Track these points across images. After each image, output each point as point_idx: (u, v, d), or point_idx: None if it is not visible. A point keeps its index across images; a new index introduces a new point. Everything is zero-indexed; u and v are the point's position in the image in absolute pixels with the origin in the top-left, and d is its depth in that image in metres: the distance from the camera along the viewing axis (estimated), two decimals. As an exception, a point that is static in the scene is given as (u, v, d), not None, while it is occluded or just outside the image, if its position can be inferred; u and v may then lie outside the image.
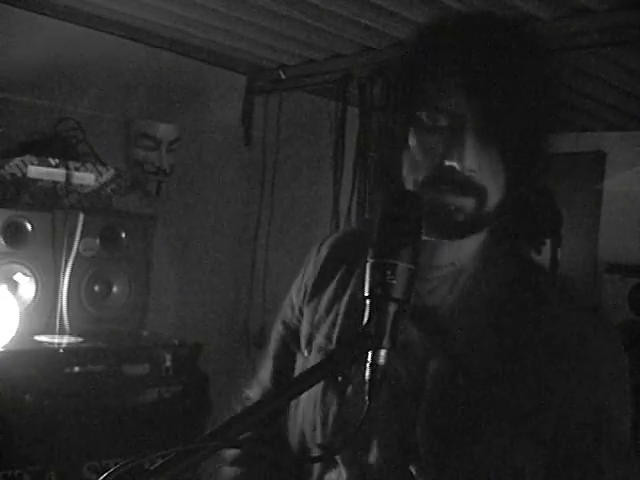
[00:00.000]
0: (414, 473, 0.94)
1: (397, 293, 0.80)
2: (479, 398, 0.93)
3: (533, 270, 1.01)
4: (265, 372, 1.23)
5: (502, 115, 0.89)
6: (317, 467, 1.05)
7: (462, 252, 1.00)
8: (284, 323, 1.24)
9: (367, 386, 0.79)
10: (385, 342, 0.79)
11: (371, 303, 0.81)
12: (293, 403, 1.08)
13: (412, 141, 0.95)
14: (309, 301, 1.18)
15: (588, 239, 3.65)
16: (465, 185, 0.91)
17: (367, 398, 0.78)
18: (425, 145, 0.94)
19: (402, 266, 0.80)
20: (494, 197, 0.93)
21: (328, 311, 1.10)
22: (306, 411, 1.06)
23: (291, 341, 1.18)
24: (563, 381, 0.92)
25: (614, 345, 0.96)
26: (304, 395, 0.98)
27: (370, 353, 0.79)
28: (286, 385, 0.78)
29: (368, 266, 0.82)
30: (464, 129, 0.90)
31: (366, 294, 0.81)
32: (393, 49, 2.68)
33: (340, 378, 1.02)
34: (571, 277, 1.06)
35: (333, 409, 1.01)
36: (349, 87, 2.90)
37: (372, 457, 0.98)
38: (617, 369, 0.96)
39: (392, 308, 0.80)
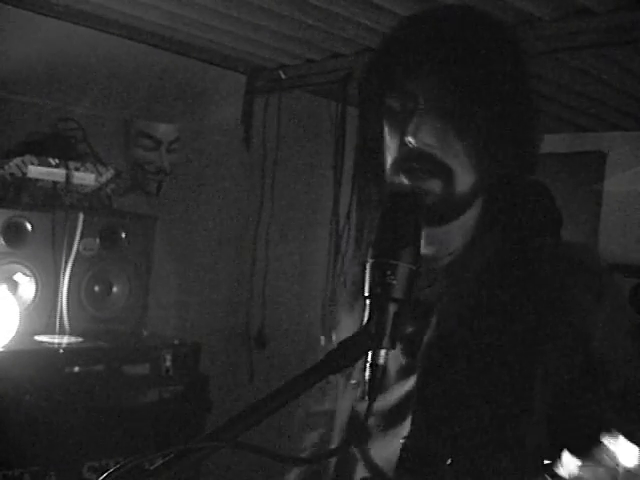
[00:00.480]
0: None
1: (397, 293, 0.80)
2: (469, 371, 0.93)
3: (522, 247, 1.00)
4: None
5: (455, 92, 0.90)
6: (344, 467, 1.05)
7: (457, 243, 1.00)
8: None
9: (367, 386, 0.79)
10: (385, 342, 0.79)
11: (371, 303, 0.81)
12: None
13: (385, 129, 0.98)
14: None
15: (588, 239, 3.65)
16: (427, 162, 0.91)
17: (367, 398, 0.78)
18: (392, 127, 0.96)
19: (402, 266, 0.80)
20: (463, 179, 0.93)
21: None
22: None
23: None
24: (553, 336, 0.92)
25: (608, 290, 0.94)
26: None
27: (370, 353, 0.79)
28: (286, 385, 0.78)
29: (368, 266, 0.82)
30: (418, 106, 0.92)
31: (366, 294, 0.81)
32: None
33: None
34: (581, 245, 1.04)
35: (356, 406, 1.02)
36: (349, 87, 2.90)
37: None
38: (612, 313, 0.94)
39: (392, 308, 0.80)
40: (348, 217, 2.92)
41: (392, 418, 0.98)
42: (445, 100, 0.90)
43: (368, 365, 0.79)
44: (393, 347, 0.80)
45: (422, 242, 0.97)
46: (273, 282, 3.26)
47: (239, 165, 3.22)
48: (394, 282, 0.80)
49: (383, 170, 0.98)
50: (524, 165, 0.99)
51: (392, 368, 1.00)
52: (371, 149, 1.00)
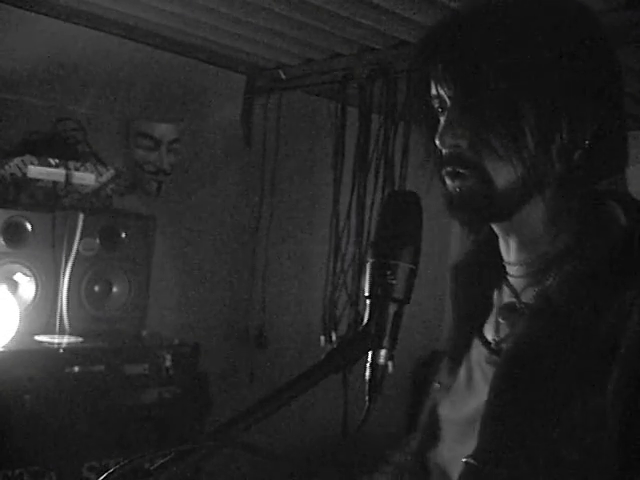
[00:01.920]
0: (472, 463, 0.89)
1: (397, 293, 0.80)
2: (548, 385, 0.86)
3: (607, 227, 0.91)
4: None
5: (476, 90, 0.88)
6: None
7: (545, 247, 0.93)
8: None
9: (367, 386, 0.79)
10: (385, 342, 0.79)
11: (371, 303, 0.81)
12: None
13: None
14: None
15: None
16: (456, 161, 0.90)
17: (367, 398, 0.78)
18: (426, 132, 0.97)
19: (402, 266, 0.80)
20: (503, 179, 0.88)
21: None
22: None
23: None
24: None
25: None
26: None
27: (370, 353, 0.79)
28: (286, 385, 0.78)
29: (368, 266, 0.82)
30: (446, 108, 0.91)
31: (366, 294, 0.81)
32: (393, 49, 2.68)
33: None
34: None
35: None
36: (349, 87, 2.90)
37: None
38: None
39: (392, 308, 0.80)
40: (348, 217, 2.92)
41: (463, 430, 0.94)
42: (467, 97, 0.89)
43: (368, 365, 0.79)
44: (393, 347, 0.80)
45: (504, 247, 0.96)
46: (273, 282, 3.26)
47: (239, 165, 3.22)
48: (394, 282, 0.80)
49: None
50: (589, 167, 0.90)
51: (477, 374, 0.97)
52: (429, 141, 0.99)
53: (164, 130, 2.77)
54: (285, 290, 3.35)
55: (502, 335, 0.96)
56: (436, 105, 0.94)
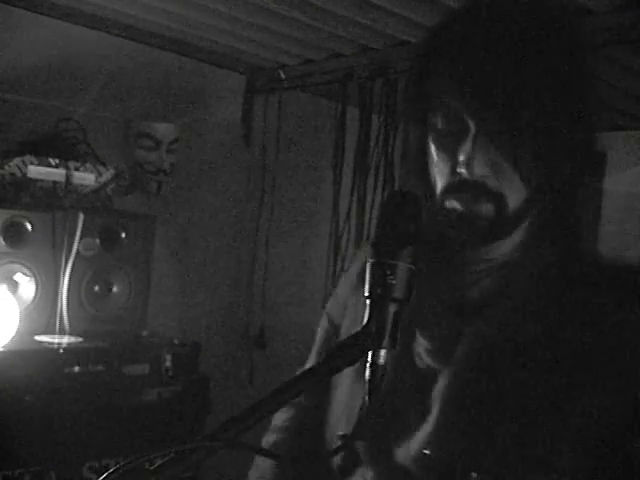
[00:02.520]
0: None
1: (397, 293, 0.80)
2: (505, 381, 0.90)
3: (577, 259, 0.99)
4: None
5: (507, 118, 0.87)
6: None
7: (505, 246, 0.98)
8: (328, 316, 1.21)
9: (367, 386, 0.79)
10: (385, 342, 0.79)
11: (371, 303, 0.81)
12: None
13: (431, 146, 0.95)
14: (352, 294, 1.14)
15: (588, 239, 3.64)
16: (479, 191, 0.90)
17: (367, 398, 0.78)
18: (440, 150, 0.94)
19: (402, 266, 0.80)
20: (514, 201, 0.91)
21: None
22: (335, 409, 1.06)
23: (333, 337, 1.17)
24: (596, 374, 0.88)
25: None
26: (338, 394, 1.00)
27: (370, 353, 0.79)
28: (286, 385, 0.78)
29: (368, 266, 0.82)
30: (469, 134, 0.89)
31: (366, 294, 0.81)
32: (393, 49, 2.68)
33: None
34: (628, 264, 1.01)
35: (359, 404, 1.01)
36: (349, 87, 2.90)
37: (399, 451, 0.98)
38: None
39: (392, 308, 0.80)
40: (348, 217, 2.92)
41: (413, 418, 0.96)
42: (496, 125, 0.88)
43: (368, 365, 0.79)
44: (393, 347, 0.80)
45: (475, 256, 0.97)
46: (273, 282, 3.26)
47: (239, 165, 3.22)
48: (394, 282, 0.80)
49: (431, 188, 0.96)
50: (577, 174, 0.97)
51: (418, 364, 0.99)
52: (418, 161, 0.98)
53: (164, 130, 2.77)
54: (285, 290, 3.35)
55: (448, 331, 0.97)
56: (446, 122, 0.92)
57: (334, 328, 1.17)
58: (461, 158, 0.89)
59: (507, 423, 0.89)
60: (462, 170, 0.90)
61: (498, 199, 0.91)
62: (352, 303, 1.13)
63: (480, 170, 0.89)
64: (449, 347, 0.96)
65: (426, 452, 0.92)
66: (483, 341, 0.93)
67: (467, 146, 0.89)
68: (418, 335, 1.00)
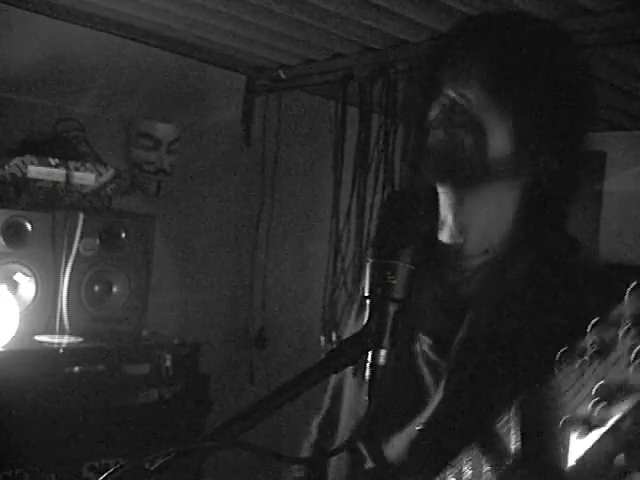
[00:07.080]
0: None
1: (397, 293, 0.80)
2: (497, 372, 0.92)
3: (562, 255, 1.00)
4: None
5: (509, 79, 0.92)
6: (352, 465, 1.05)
7: (492, 239, 0.99)
8: None
9: (367, 386, 0.79)
10: (385, 342, 0.79)
11: (371, 303, 0.81)
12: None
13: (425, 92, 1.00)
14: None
15: (588, 239, 3.65)
16: (460, 114, 0.93)
17: (367, 398, 0.78)
18: (431, 84, 0.99)
19: (402, 266, 0.80)
20: (497, 145, 0.93)
21: None
22: (342, 418, 1.07)
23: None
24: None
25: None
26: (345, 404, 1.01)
27: (370, 353, 0.79)
28: (286, 385, 0.78)
29: (368, 266, 0.82)
30: (461, 58, 0.95)
31: (366, 294, 0.81)
32: (393, 49, 2.68)
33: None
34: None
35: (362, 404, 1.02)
36: (349, 87, 2.90)
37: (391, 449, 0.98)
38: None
39: (392, 308, 0.80)
40: (348, 217, 2.92)
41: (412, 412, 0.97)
42: (489, 64, 0.93)
43: (368, 365, 0.79)
44: (393, 347, 0.80)
45: (451, 228, 0.98)
46: (273, 282, 3.26)
47: (239, 165, 3.22)
48: (394, 282, 0.80)
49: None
50: (566, 160, 0.98)
51: (421, 363, 1.00)
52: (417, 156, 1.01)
53: (164, 130, 2.77)
54: (285, 290, 3.35)
55: (448, 325, 0.98)
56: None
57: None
58: (447, 76, 0.94)
59: (501, 403, 0.90)
60: (448, 90, 0.94)
61: (479, 132, 0.93)
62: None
63: (463, 88, 0.93)
64: (450, 340, 0.96)
65: (419, 428, 0.93)
66: (478, 331, 0.95)
67: (456, 66, 0.94)
68: (420, 334, 1.01)
